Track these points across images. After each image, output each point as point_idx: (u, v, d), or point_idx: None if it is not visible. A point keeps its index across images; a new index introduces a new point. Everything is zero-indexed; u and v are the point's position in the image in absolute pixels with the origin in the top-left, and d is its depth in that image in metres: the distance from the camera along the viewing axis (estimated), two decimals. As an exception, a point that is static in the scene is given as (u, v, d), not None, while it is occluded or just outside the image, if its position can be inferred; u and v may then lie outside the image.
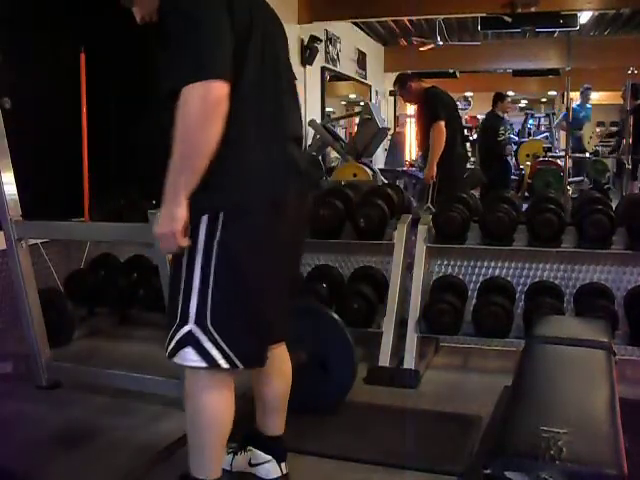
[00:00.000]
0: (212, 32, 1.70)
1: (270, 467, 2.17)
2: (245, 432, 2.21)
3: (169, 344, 1.84)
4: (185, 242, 1.76)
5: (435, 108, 5.07)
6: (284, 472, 2.18)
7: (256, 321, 1.87)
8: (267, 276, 1.86)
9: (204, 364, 1.80)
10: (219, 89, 1.67)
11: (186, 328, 1.80)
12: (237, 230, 1.78)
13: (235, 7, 1.76)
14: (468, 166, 9.12)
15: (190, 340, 1.80)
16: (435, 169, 5.01)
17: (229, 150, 1.75)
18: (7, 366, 3.28)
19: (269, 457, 2.17)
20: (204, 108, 1.66)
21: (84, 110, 3.70)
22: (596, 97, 12.63)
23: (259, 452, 2.19)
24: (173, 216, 1.73)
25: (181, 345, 1.81)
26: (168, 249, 1.82)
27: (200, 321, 1.79)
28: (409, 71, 5.31)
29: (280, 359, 2.13)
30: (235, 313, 1.82)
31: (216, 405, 1.86)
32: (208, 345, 1.79)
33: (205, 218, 1.78)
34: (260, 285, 1.84)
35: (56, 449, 2.54)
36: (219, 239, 1.77)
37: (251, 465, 2.20)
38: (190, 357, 1.80)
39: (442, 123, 4.97)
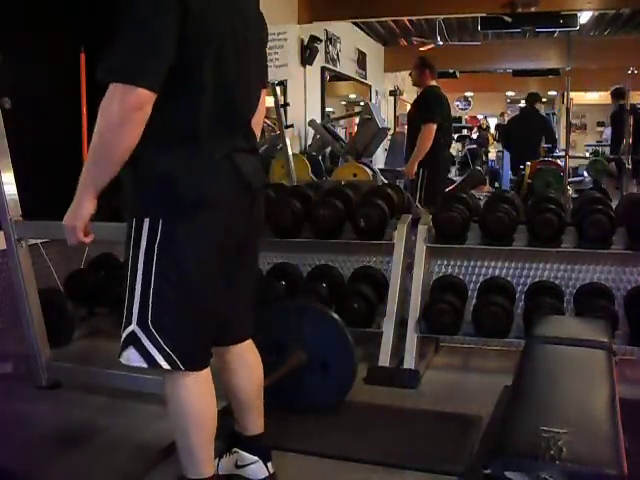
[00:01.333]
0: (152, 38, 1.69)
1: (257, 468, 2.17)
2: (229, 434, 2.21)
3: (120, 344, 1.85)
4: (87, 240, 1.81)
5: (432, 109, 5.11)
6: (271, 472, 2.18)
7: (197, 322, 1.87)
8: (209, 277, 1.86)
9: (145, 364, 1.81)
10: (141, 97, 1.66)
11: (130, 328, 1.81)
12: (178, 231, 1.78)
13: (193, 11, 1.72)
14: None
15: (133, 340, 1.81)
16: (415, 167, 5.10)
17: (171, 151, 1.78)
18: (7, 366, 3.28)
19: (255, 458, 2.17)
20: (122, 111, 1.67)
21: (84, 110, 3.70)
22: (596, 97, 12.65)
23: (245, 453, 2.19)
24: (76, 211, 1.78)
25: (125, 345, 1.83)
26: (71, 242, 1.85)
27: (142, 321, 1.80)
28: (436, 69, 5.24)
29: (242, 358, 2.12)
30: (176, 313, 1.82)
31: (196, 403, 1.86)
32: (149, 345, 1.80)
33: (147, 220, 1.78)
34: (202, 286, 1.84)
35: (56, 449, 2.54)
36: (160, 240, 1.78)
37: (238, 467, 2.20)
38: (133, 357, 1.82)
39: (434, 127, 5.03)
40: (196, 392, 1.86)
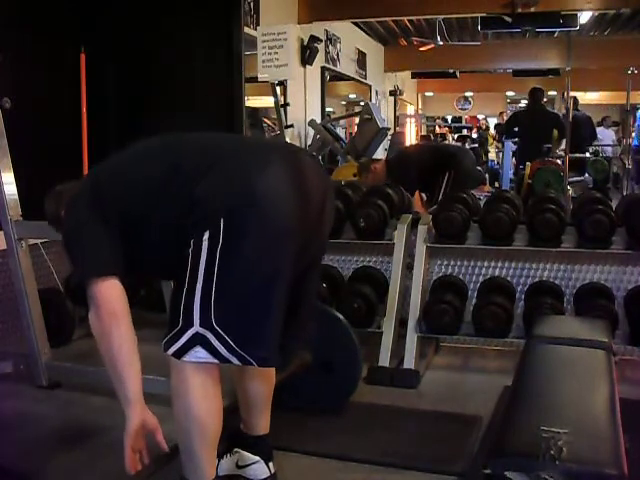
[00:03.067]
0: (82, 241, 1.89)
1: (258, 468, 2.17)
2: (230, 434, 2.20)
3: (172, 344, 1.80)
4: (132, 466, 1.79)
5: (402, 181, 5.21)
6: (272, 472, 2.18)
7: (265, 315, 1.79)
8: (277, 268, 1.80)
9: (215, 360, 1.77)
10: (104, 299, 1.82)
11: (192, 330, 1.76)
12: (244, 224, 1.75)
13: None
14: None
15: (200, 341, 1.76)
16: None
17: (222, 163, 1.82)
18: (7, 366, 3.28)
19: (257, 458, 2.17)
20: (100, 326, 1.82)
21: (84, 110, 3.70)
22: (596, 97, 12.65)
23: (246, 453, 2.18)
24: (127, 415, 1.80)
25: (191, 345, 1.77)
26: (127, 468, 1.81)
27: (206, 322, 1.75)
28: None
29: None
30: (241, 310, 1.77)
31: (203, 406, 1.83)
32: (218, 346, 1.75)
33: (207, 232, 1.75)
34: (268, 278, 1.78)
35: (56, 449, 2.54)
36: (222, 242, 1.74)
37: (239, 467, 2.20)
38: (201, 355, 1.76)
39: (417, 194, 5.19)
40: (203, 394, 1.83)
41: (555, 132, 7.25)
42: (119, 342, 1.79)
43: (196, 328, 1.76)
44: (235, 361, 1.77)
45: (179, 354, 1.79)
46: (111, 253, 1.86)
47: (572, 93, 6.85)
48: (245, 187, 1.77)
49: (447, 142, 13.15)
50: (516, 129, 8.17)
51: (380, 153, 9.43)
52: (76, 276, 1.98)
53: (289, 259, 1.83)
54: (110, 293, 1.83)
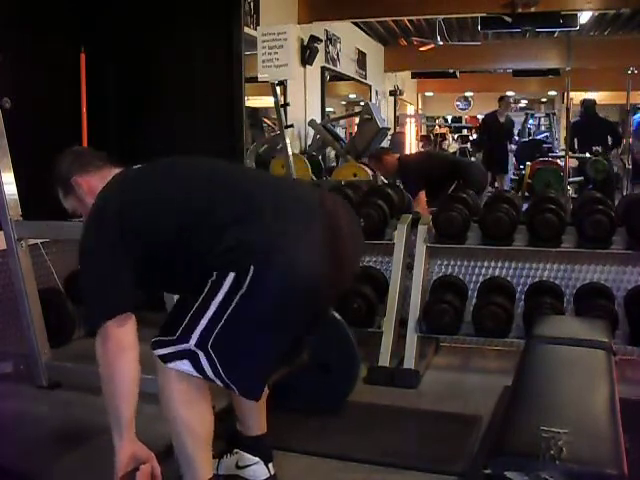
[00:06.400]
0: (95, 272, 1.82)
1: (257, 469, 2.17)
2: (230, 434, 2.21)
3: (161, 347, 1.81)
4: None
5: (410, 184, 5.29)
6: (272, 473, 2.18)
7: (262, 361, 1.84)
8: (283, 330, 1.84)
9: (196, 374, 1.78)
10: (113, 332, 1.76)
11: (184, 345, 1.77)
12: (267, 280, 1.73)
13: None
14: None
15: (189, 356, 1.77)
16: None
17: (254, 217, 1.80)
18: (7, 366, 3.28)
19: (256, 459, 2.17)
20: (106, 356, 1.78)
21: (84, 110, 3.70)
22: (596, 97, 12.64)
23: (246, 454, 2.19)
24: (116, 446, 1.77)
25: (180, 357, 1.78)
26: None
27: (201, 345, 1.76)
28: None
29: None
30: (240, 351, 1.79)
31: (188, 410, 1.82)
32: (205, 364, 1.76)
33: (232, 274, 1.74)
34: (273, 337, 1.81)
35: (56, 449, 2.54)
36: (246, 290, 1.72)
37: (238, 467, 2.20)
38: (184, 367, 1.78)
39: (422, 193, 5.24)
40: (187, 399, 1.82)
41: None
42: (122, 375, 1.77)
43: (190, 346, 1.77)
44: (218, 382, 1.79)
45: (165, 359, 1.81)
46: (126, 288, 1.81)
47: (572, 93, 6.86)
48: (282, 250, 1.75)
49: (447, 142, 13.15)
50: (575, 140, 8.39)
51: (380, 153, 9.42)
52: (88, 316, 1.91)
53: (305, 321, 1.91)
54: (120, 328, 1.78)
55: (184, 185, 1.91)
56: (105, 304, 1.80)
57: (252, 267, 1.72)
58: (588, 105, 8.30)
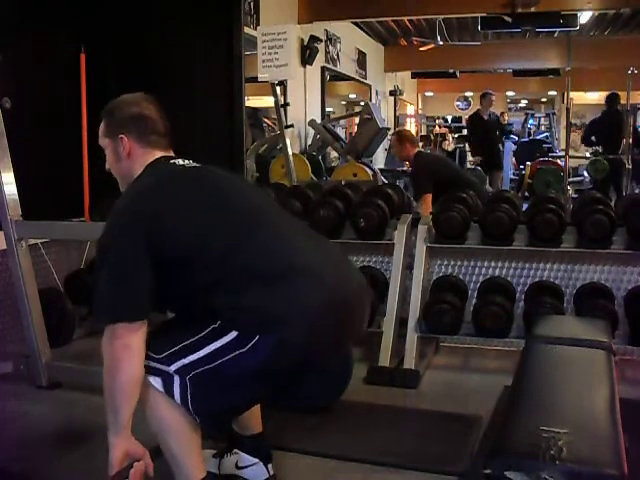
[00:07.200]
0: (118, 271, 1.78)
1: (257, 469, 2.18)
2: (230, 434, 2.21)
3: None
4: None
5: (420, 181, 5.11)
6: (271, 474, 2.18)
7: (231, 408, 1.91)
8: (266, 392, 1.91)
9: (161, 389, 1.80)
10: (124, 334, 1.74)
11: (165, 368, 1.79)
12: (268, 345, 1.73)
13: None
14: (469, 166, 9.16)
15: (165, 377, 1.79)
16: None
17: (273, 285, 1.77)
18: (7, 366, 3.28)
19: (256, 460, 2.18)
20: (112, 352, 1.75)
21: (84, 110, 3.70)
22: (596, 97, 12.64)
23: (245, 455, 2.19)
24: (111, 443, 1.79)
25: (155, 373, 1.80)
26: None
27: (181, 374, 1.78)
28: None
29: None
30: (219, 400, 1.83)
31: (172, 415, 1.83)
32: (176, 392, 1.79)
33: (235, 333, 1.75)
34: (252, 389, 1.84)
35: (56, 449, 2.54)
36: (247, 350, 1.73)
37: (238, 468, 2.20)
38: (155, 383, 1.80)
39: (429, 196, 5.00)
40: (168, 403, 1.82)
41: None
42: (127, 376, 1.76)
43: (169, 370, 1.79)
44: (181, 407, 1.81)
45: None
46: (146, 295, 1.78)
47: (572, 93, 6.86)
48: (290, 326, 1.74)
49: (447, 142, 13.14)
50: (593, 138, 8.37)
51: (380, 153, 9.45)
52: (99, 313, 1.84)
53: (298, 379, 1.95)
54: (131, 332, 1.76)
55: (227, 220, 1.86)
56: (124, 308, 1.77)
57: (257, 336, 1.73)
58: (613, 99, 8.19)
